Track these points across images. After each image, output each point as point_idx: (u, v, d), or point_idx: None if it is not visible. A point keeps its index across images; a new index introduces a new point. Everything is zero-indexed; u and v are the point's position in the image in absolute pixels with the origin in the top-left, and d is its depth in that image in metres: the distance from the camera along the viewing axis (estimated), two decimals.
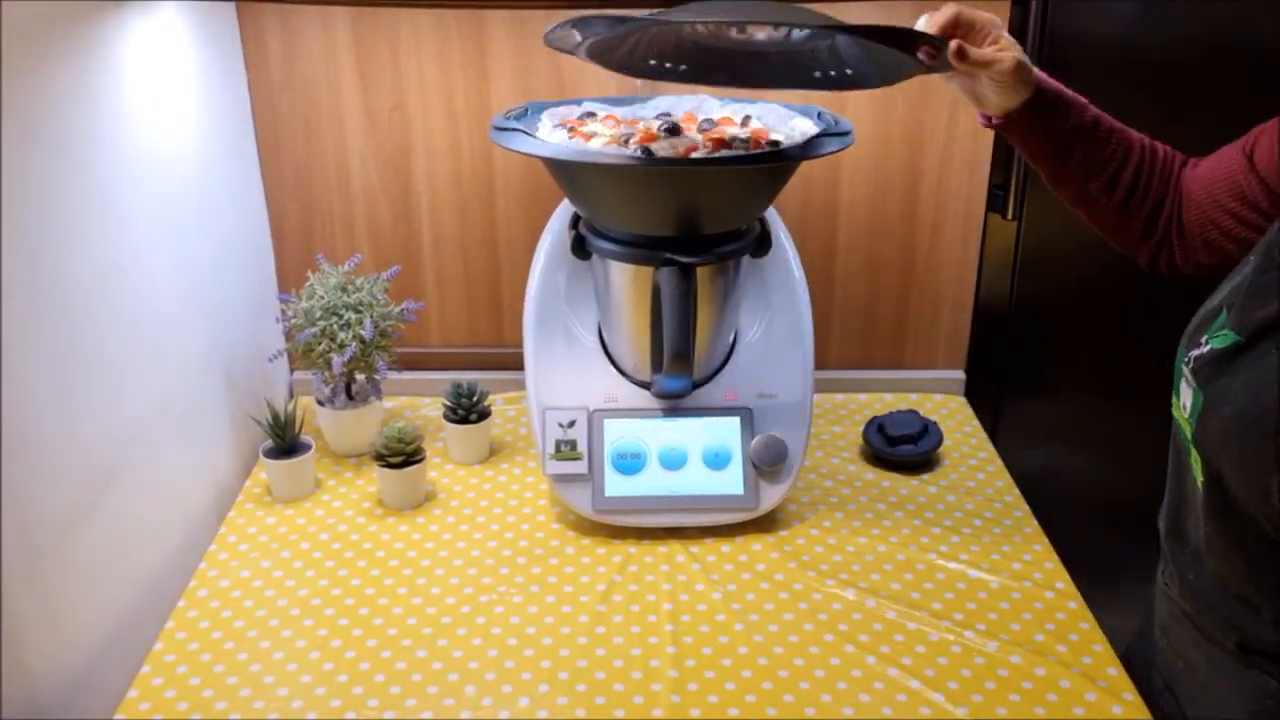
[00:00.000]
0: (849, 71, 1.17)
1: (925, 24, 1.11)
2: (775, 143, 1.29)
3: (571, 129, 1.33)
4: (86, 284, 1.11)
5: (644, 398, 1.40)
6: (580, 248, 1.35)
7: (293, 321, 1.48)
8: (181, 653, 1.17)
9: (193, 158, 1.38)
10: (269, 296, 1.63)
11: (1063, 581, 1.29)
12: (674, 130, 1.32)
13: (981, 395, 1.74)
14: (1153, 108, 1.62)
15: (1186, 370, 0.97)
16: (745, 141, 1.29)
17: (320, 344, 1.45)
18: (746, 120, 1.38)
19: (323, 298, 1.46)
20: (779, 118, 1.38)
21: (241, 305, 1.53)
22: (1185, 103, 1.62)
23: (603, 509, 1.35)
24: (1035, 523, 1.40)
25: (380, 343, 1.48)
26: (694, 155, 1.23)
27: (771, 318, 1.43)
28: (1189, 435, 0.97)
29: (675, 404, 1.39)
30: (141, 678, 1.13)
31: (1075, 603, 1.25)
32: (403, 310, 1.51)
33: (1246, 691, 0.99)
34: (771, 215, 1.44)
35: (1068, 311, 1.76)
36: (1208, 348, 0.95)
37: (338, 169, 1.63)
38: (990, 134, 1.62)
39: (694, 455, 1.37)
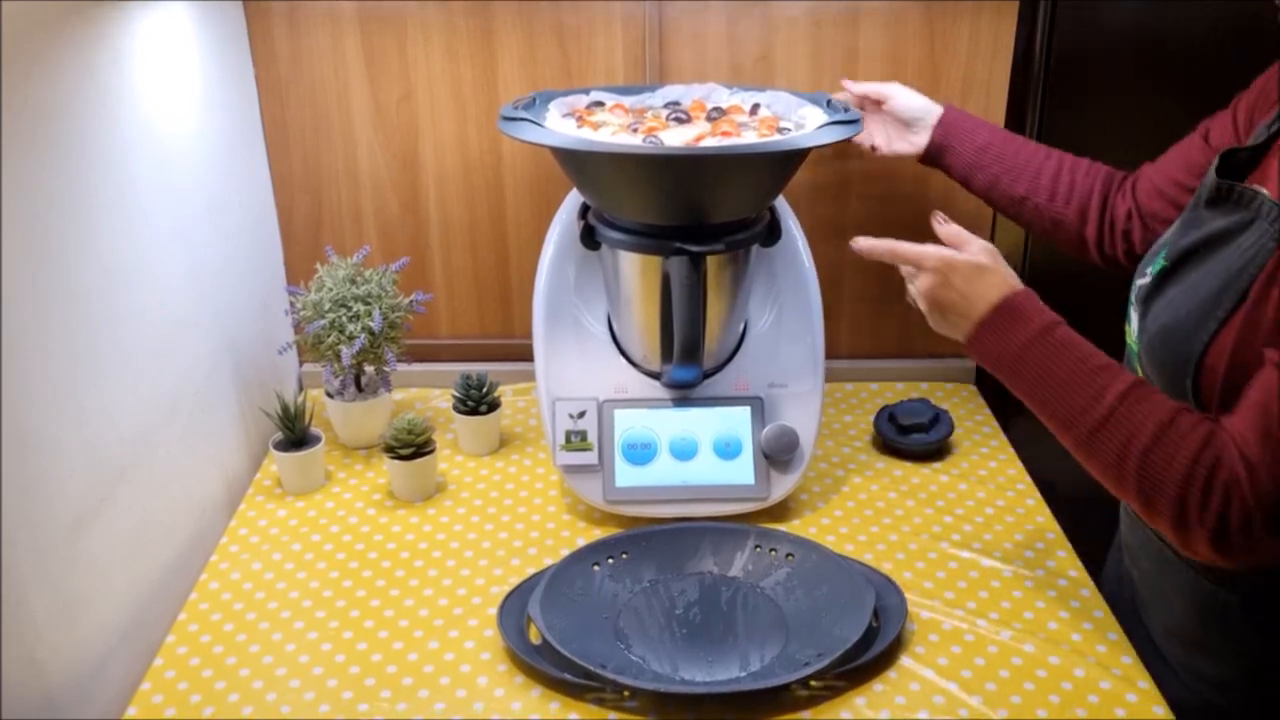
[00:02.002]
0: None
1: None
2: (784, 131, 1.28)
3: (580, 118, 1.32)
4: (95, 279, 1.11)
5: (654, 388, 1.39)
6: (589, 238, 1.34)
7: (301, 314, 1.48)
8: (193, 645, 1.17)
9: (201, 151, 1.37)
10: (278, 289, 1.63)
11: (1075, 570, 1.28)
12: (683, 119, 1.32)
13: (993, 384, 1.72)
14: (1164, 98, 1.62)
15: (1133, 298, 1.13)
16: (754, 130, 1.28)
17: (329, 336, 1.45)
18: (755, 109, 1.38)
19: (331, 290, 1.46)
20: (788, 105, 1.38)
21: (251, 298, 1.53)
22: (1196, 92, 1.61)
23: (613, 499, 1.35)
24: (1048, 511, 1.40)
25: (389, 334, 1.48)
26: (702, 144, 1.22)
27: (781, 307, 1.43)
28: (1136, 354, 1.10)
29: (685, 394, 1.39)
30: (154, 670, 1.14)
31: (1088, 591, 1.25)
32: (411, 302, 1.51)
33: (1188, 591, 1.11)
34: (781, 204, 1.43)
35: (1079, 299, 1.75)
36: (1148, 277, 1.10)
37: (346, 161, 1.62)
38: (1002, 118, 1.61)
39: (704, 445, 1.37)
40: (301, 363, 1.72)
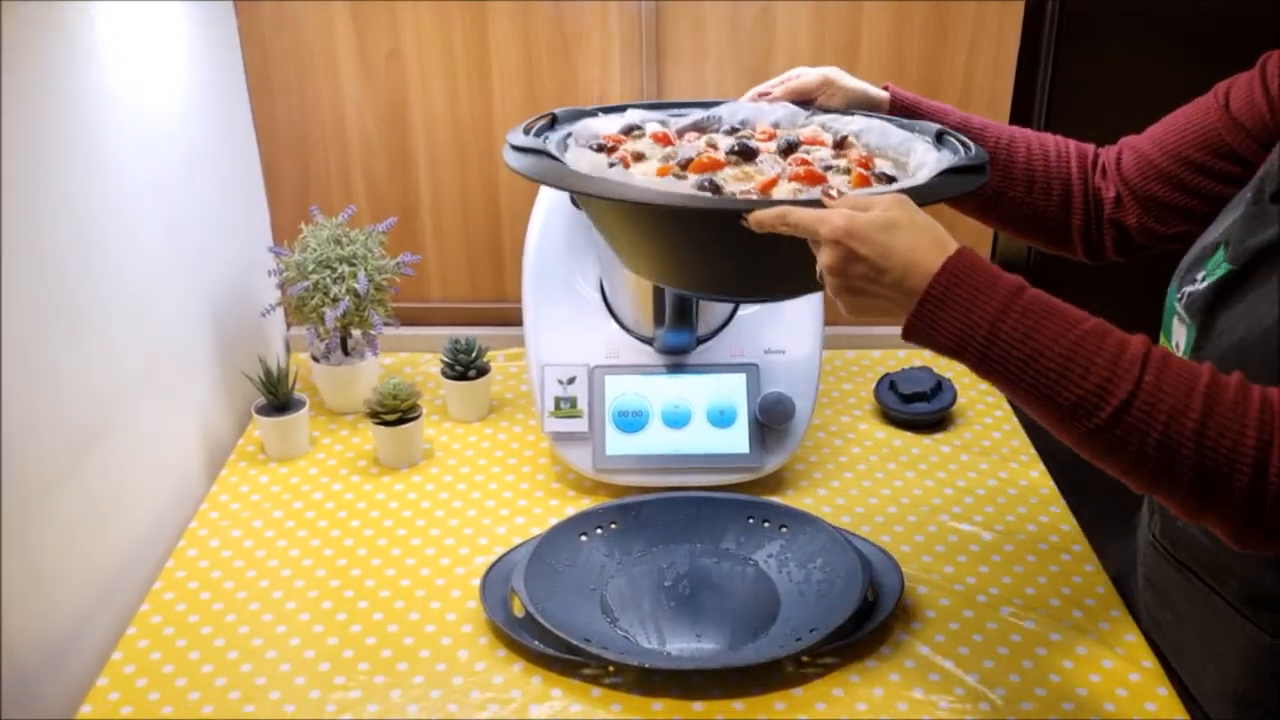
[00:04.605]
0: None
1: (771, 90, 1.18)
2: (887, 177, 1.00)
3: (612, 148, 1.06)
4: (68, 236, 1.07)
5: (646, 353, 1.35)
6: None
7: (285, 275, 1.44)
8: (168, 614, 1.14)
9: (180, 105, 1.33)
10: (263, 250, 1.58)
11: (1080, 544, 1.24)
12: (749, 150, 1.02)
13: None
14: (1180, 47, 1.57)
15: (1179, 307, 0.95)
16: (846, 174, 0.99)
17: (313, 298, 1.41)
18: (843, 143, 1.08)
19: (315, 250, 1.42)
20: (884, 137, 1.09)
21: (233, 257, 1.49)
22: (1214, 38, 1.55)
23: (603, 468, 1.31)
24: (1051, 483, 1.36)
25: (376, 297, 1.44)
26: (776, 195, 0.95)
27: None
28: None
29: (679, 360, 1.35)
30: (126, 640, 1.10)
31: (1092, 566, 1.21)
32: (398, 263, 1.47)
33: (1244, 650, 0.96)
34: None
35: (1084, 268, 1.70)
36: (1204, 283, 0.92)
37: (333, 118, 1.58)
38: (1010, 86, 1.55)
39: (698, 413, 1.33)
40: (289, 325, 1.68)
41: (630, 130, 1.10)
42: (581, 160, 0.99)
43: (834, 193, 0.88)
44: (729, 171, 0.99)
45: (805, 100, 1.16)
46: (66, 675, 1.06)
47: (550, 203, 1.38)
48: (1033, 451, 1.42)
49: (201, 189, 1.39)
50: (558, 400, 1.32)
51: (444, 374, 1.48)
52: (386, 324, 1.46)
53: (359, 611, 1.14)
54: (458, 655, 1.08)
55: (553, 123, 1.08)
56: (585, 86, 1.55)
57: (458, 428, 1.48)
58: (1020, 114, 1.59)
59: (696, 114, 1.14)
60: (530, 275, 1.37)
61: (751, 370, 1.34)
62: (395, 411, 1.36)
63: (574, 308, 1.37)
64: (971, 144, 1.02)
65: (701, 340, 1.35)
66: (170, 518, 1.28)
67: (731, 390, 1.34)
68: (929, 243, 0.82)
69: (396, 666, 1.07)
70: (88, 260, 1.11)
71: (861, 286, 0.84)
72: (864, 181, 0.97)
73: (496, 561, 1.18)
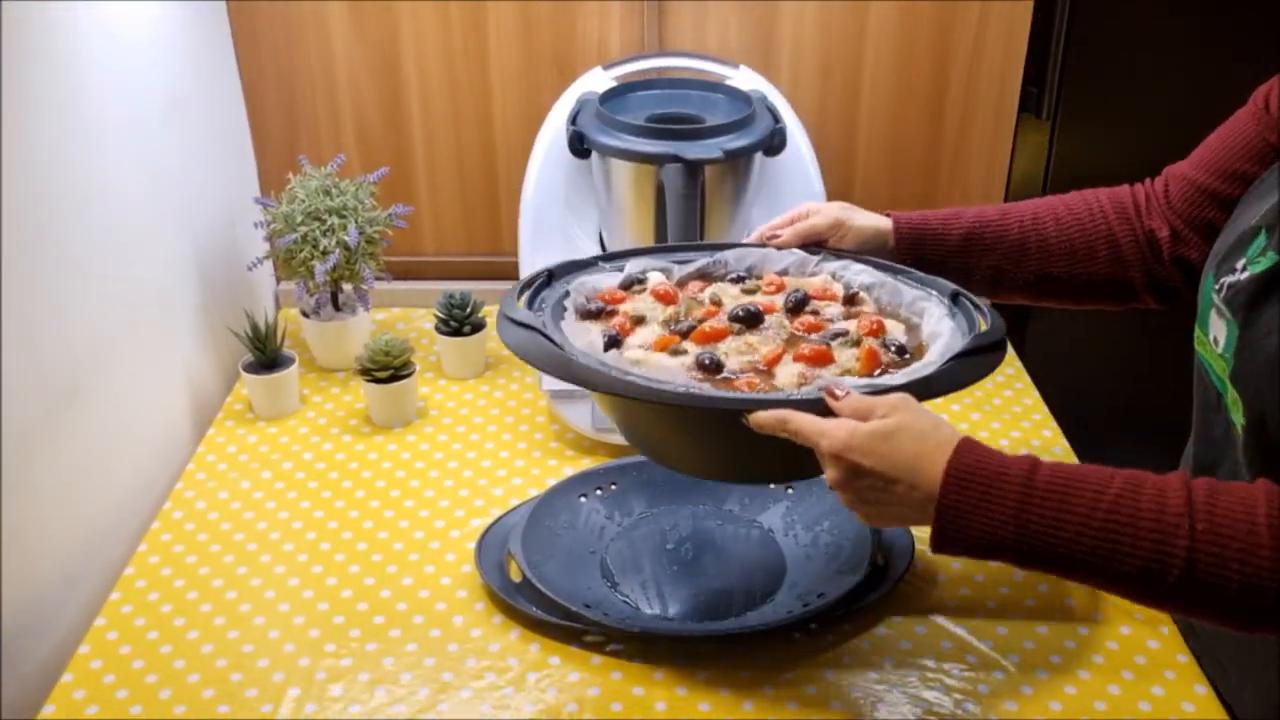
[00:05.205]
0: None
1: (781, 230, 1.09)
2: (899, 348, 0.94)
3: (610, 312, 1.00)
4: (45, 187, 1.02)
5: None
6: (579, 145, 1.25)
7: (272, 227, 1.39)
8: (153, 579, 1.10)
9: (160, 47, 1.27)
10: (249, 201, 1.53)
11: None
12: (752, 314, 0.97)
13: (1007, 311, 1.64)
14: (1191, 25, 1.51)
15: (1218, 299, 0.87)
16: (856, 346, 0.94)
17: (302, 251, 1.36)
18: (853, 299, 1.03)
19: (304, 201, 1.37)
20: (897, 295, 1.02)
21: (218, 208, 1.44)
22: (1224, 18, 1.50)
23: (603, 427, 1.28)
24: (1065, 442, 1.32)
25: (367, 250, 1.39)
26: (779, 373, 0.91)
27: None
28: (1224, 372, 0.86)
29: None
30: (110, 604, 1.07)
31: None
32: (390, 215, 1.42)
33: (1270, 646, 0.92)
34: (788, 114, 1.33)
35: None
36: (1245, 274, 0.85)
37: (321, 62, 1.52)
38: (1026, 27, 1.50)
39: None
40: (277, 280, 1.63)
41: (630, 285, 1.04)
42: (578, 338, 0.93)
43: (839, 391, 0.83)
44: (731, 343, 0.94)
45: (816, 242, 1.09)
46: (47, 642, 1.03)
47: (547, 152, 1.33)
48: (1045, 410, 1.39)
49: (184, 136, 1.34)
50: None
51: (438, 330, 1.43)
52: (378, 278, 1.41)
53: (350, 576, 1.11)
54: (452, 621, 1.05)
55: (549, 279, 1.02)
56: (584, 36, 1.49)
57: (452, 385, 1.43)
58: (1034, 71, 1.53)
59: (702, 260, 1.08)
60: (527, 227, 1.33)
61: None
62: (388, 368, 1.32)
63: None
64: (987, 310, 0.96)
65: None
66: (155, 479, 1.24)
67: None
68: (932, 446, 0.79)
69: (389, 633, 1.03)
70: (65, 211, 1.06)
71: (873, 498, 0.81)
72: (873, 358, 0.92)
73: (493, 524, 1.14)
